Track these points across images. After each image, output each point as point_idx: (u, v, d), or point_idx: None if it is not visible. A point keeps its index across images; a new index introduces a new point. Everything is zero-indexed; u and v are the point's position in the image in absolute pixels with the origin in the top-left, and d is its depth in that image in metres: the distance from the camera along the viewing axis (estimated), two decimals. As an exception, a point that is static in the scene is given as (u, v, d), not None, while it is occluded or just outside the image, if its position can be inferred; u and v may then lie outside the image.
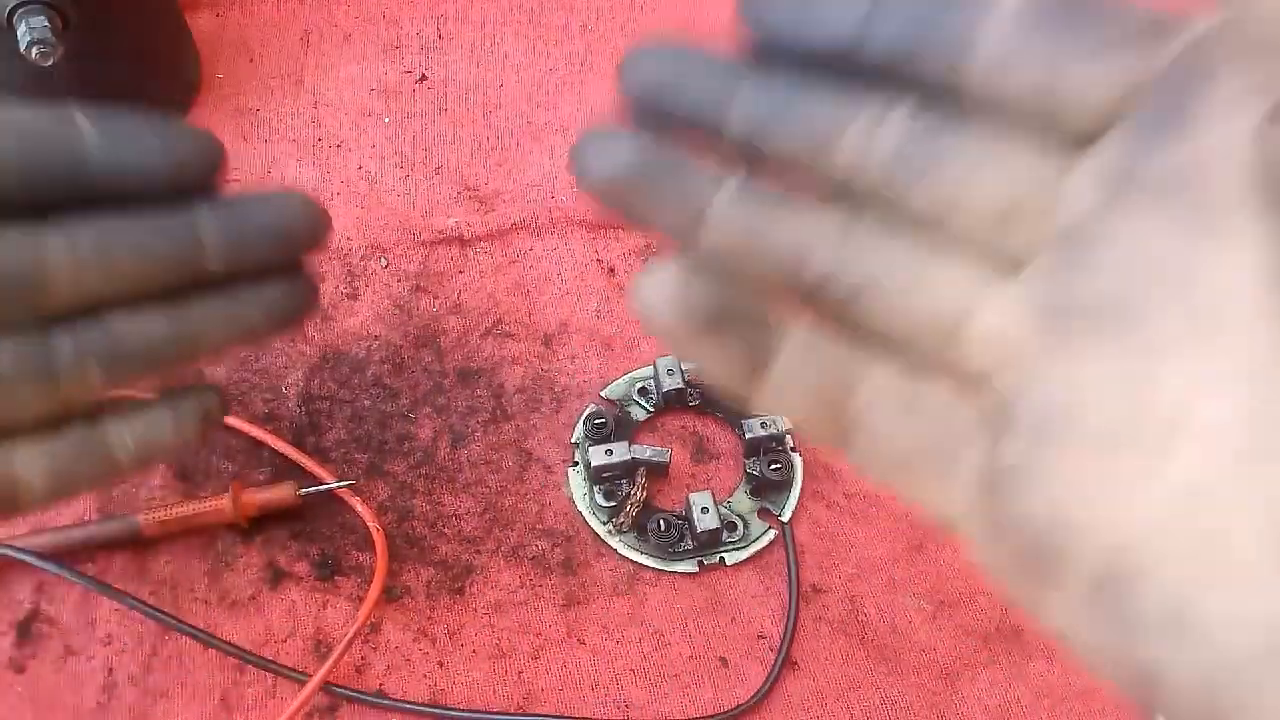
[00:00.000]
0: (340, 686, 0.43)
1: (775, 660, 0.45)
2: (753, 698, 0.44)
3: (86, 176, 0.28)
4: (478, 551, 0.47)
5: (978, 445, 0.21)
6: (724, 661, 0.45)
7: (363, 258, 0.54)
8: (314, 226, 0.31)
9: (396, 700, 0.43)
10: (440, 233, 0.55)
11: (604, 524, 0.48)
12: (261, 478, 0.48)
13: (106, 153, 0.28)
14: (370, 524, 0.46)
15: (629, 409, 0.51)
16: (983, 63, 0.20)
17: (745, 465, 0.50)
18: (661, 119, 0.23)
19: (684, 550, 0.47)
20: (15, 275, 0.27)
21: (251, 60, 0.61)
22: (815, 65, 0.22)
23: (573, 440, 0.50)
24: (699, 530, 0.46)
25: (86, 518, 0.46)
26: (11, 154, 0.27)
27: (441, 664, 0.44)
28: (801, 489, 0.49)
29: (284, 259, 0.32)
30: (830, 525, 0.49)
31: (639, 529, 0.48)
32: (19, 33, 0.46)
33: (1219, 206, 0.18)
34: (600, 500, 0.48)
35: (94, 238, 0.28)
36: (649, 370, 0.52)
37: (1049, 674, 0.46)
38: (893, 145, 0.21)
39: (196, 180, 0.30)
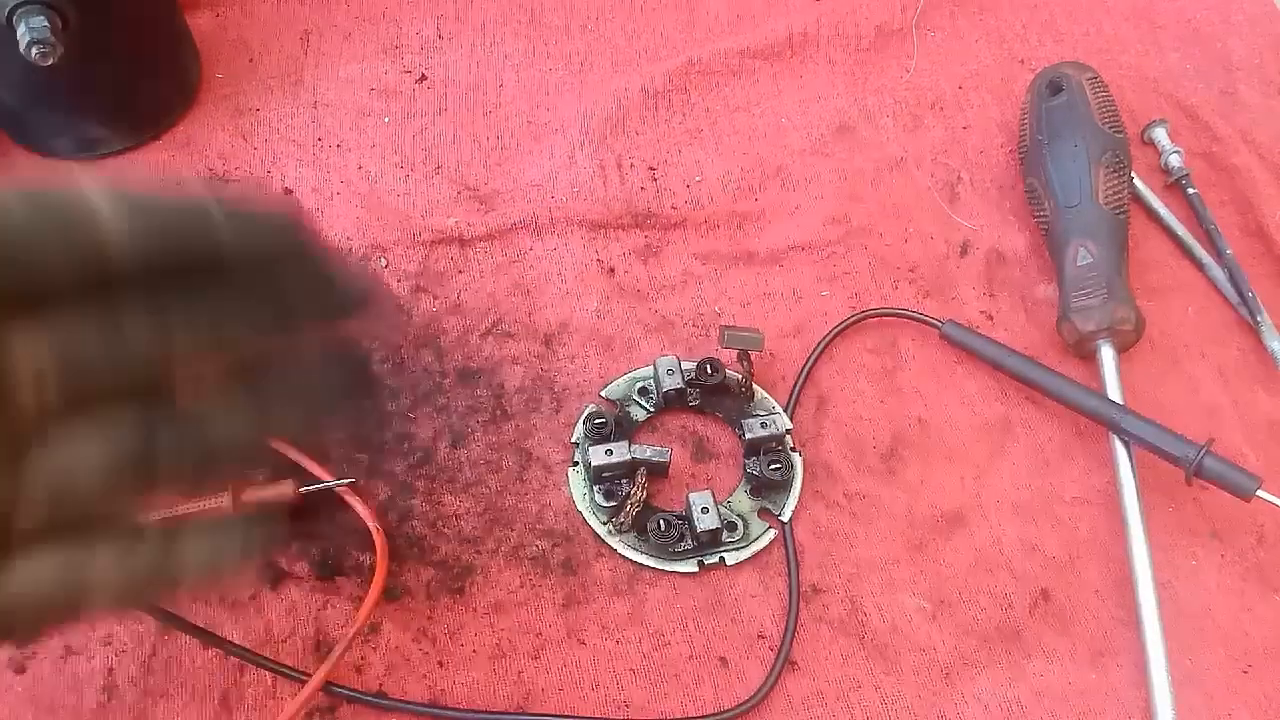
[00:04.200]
0: (340, 686, 0.43)
1: (775, 660, 0.45)
2: (753, 698, 0.44)
3: (218, 255, 0.26)
4: (478, 551, 0.47)
5: None
6: (724, 661, 0.45)
7: (363, 258, 0.54)
8: (364, 301, 0.31)
9: (396, 700, 0.43)
10: (440, 233, 0.55)
11: (604, 524, 0.48)
12: (261, 477, 0.47)
13: (238, 243, 0.27)
14: (370, 524, 0.46)
15: (629, 409, 0.51)
16: None
17: (745, 465, 0.50)
18: None
19: (684, 550, 0.47)
20: (146, 362, 0.26)
21: (251, 60, 0.61)
22: None
23: (573, 440, 0.50)
24: (699, 530, 0.46)
25: (86, 518, 0.46)
26: (159, 244, 0.25)
27: (441, 664, 0.44)
28: (801, 489, 0.49)
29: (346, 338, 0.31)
30: (830, 525, 0.49)
31: (639, 529, 0.47)
32: (19, 33, 0.46)
33: None
34: (600, 500, 0.48)
35: (216, 326, 0.27)
36: (649, 370, 0.52)
37: (1049, 674, 0.46)
38: None
39: (293, 258, 0.29)
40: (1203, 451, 0.47)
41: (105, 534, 0.26)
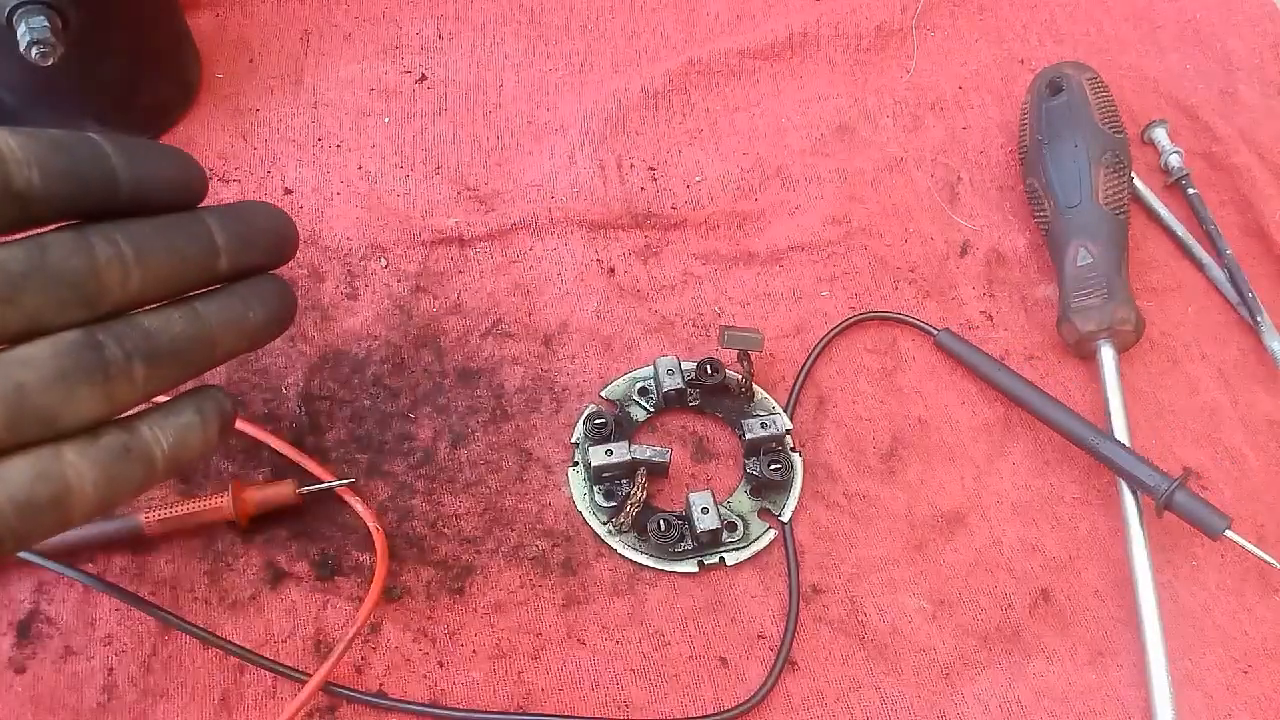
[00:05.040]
0: (340, 686, 0.43)
1: (775, 660, 0.45)
2: (753, 698, 0.44)
3: (116, 189, 0.30)
4: (478, 551, 0.47)
5: None
6: (724, 661, 0.45)
7: (363, 258, 0.54)
8: (292, 236, 0.35)
9: (396, 700, 0.43)
10: (440, 233, 0.55)
11: (604, 524, 0.48)
12: (261, 478, 0.48)
13: (130, 169, 0.30)
14: (370, 524, 0.46)
15: (629, 409, 0.51)
16: None
17: (745, 465, 0.50)
18: None
19: (684, 550, 0.47)
20: (73, 274, 0.29)
21: (251, 60, 0.61)
22: None
23: (573, 440, 0.50)
24: (699, 530, 0.46)
25: (86, 518, 0.46)
26: (59, 167, 0.28)
27: (441, 664, 0.44)
28: (801, 489, 0.49)
29: (273, 262, 0.34)
30: (830, 525, 0.49)
31: (639, 529, 0.48)
32: (19, 33, 0.46)
33: None
34: (600, 500, 0.48)
35: (132, 240, 0.30)
36: (649, 370, 0.52)
37: (1049, 674, 0.46)
38: None
39: (194, 196, 0.32)
40: (1174, 485, 0.47)
41: (72, 436, 0.29)
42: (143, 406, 0.32)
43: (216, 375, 0.50)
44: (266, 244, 0.34)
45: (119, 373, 0.29)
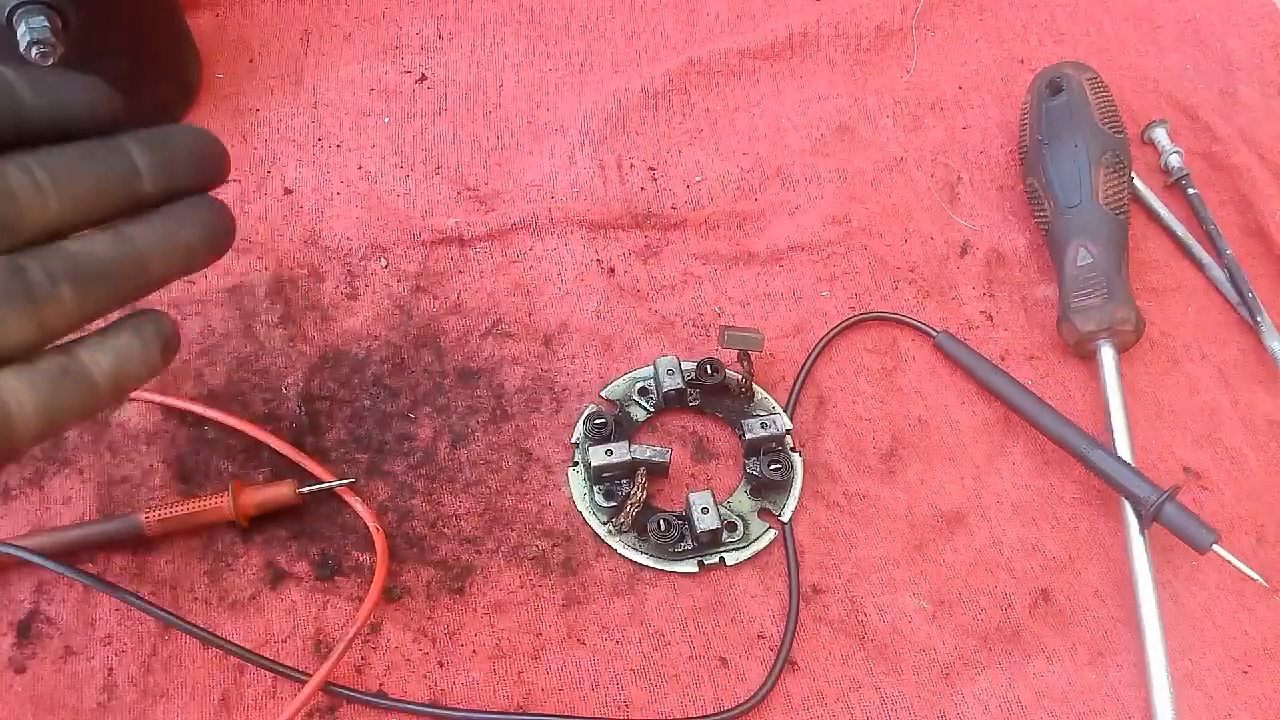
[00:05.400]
0: (340, 686, 0.43)
1: (775, 660, 0.45)
2: (753, 698, 0.44)
3: (23, 116, 0.29)
4: (478, 551, 0.47)
5: None
6: (724, 661, 0.45)
7: (363, 258, 0.54)
8: (220, 155, 0.34)
9: (396, 700, 0.43)
10: (440, 233, 0.55)
11: (604, 524, 0.48)
12: (261, 478, 0.48)
13: (36, 96, 0.30)
14: (370, 524, 0.46)
15: (629, 409, 0.51)
16: None
17: (745, 465, 0.50)
18: None
19: (684, 550, 0.47)
20: None
21: (251, 60, 0.61)
22: None
23: (573, 440, 0.50)
24: (699, 530, 0.46)
25: (86, 517, 0.46)
26: None
27: (441, 664, 0.44)
28: (801, 489, 0.49)
29: (202, 182, 0.34)
30: (830, 525, 0.49)
31: (639, 529, 0.48)
32: (19, 33, 0.46)
33: None
34: (600, 500, 0.48)
35: (47, 166, 0.29)
36: (649, 370, 0.52)
37: (1049, 674, 0.46)
38: None
39: (111, 121, 0.32)
40: (1163, 498, 0.46)
41: (6, 363, 0.29)
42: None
43: (215, 367, 0.50)
44: (193, 164, 0.34)
45: (46, 296, 0.29)
